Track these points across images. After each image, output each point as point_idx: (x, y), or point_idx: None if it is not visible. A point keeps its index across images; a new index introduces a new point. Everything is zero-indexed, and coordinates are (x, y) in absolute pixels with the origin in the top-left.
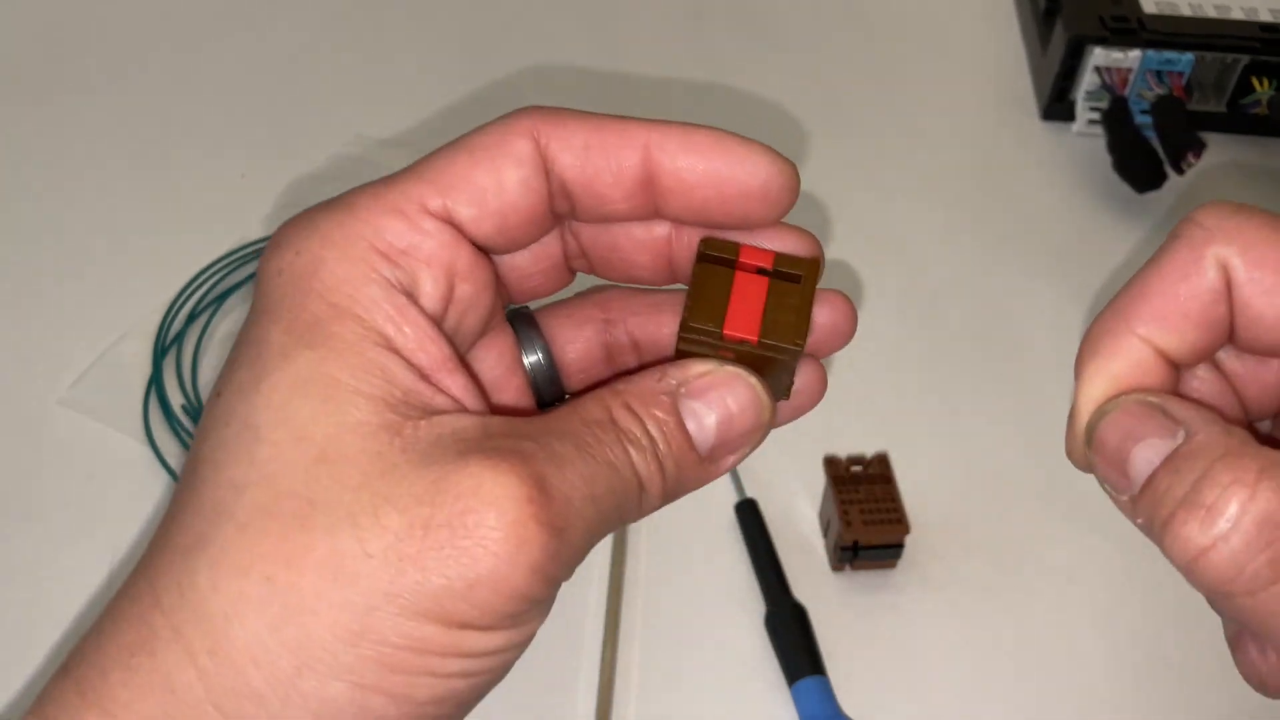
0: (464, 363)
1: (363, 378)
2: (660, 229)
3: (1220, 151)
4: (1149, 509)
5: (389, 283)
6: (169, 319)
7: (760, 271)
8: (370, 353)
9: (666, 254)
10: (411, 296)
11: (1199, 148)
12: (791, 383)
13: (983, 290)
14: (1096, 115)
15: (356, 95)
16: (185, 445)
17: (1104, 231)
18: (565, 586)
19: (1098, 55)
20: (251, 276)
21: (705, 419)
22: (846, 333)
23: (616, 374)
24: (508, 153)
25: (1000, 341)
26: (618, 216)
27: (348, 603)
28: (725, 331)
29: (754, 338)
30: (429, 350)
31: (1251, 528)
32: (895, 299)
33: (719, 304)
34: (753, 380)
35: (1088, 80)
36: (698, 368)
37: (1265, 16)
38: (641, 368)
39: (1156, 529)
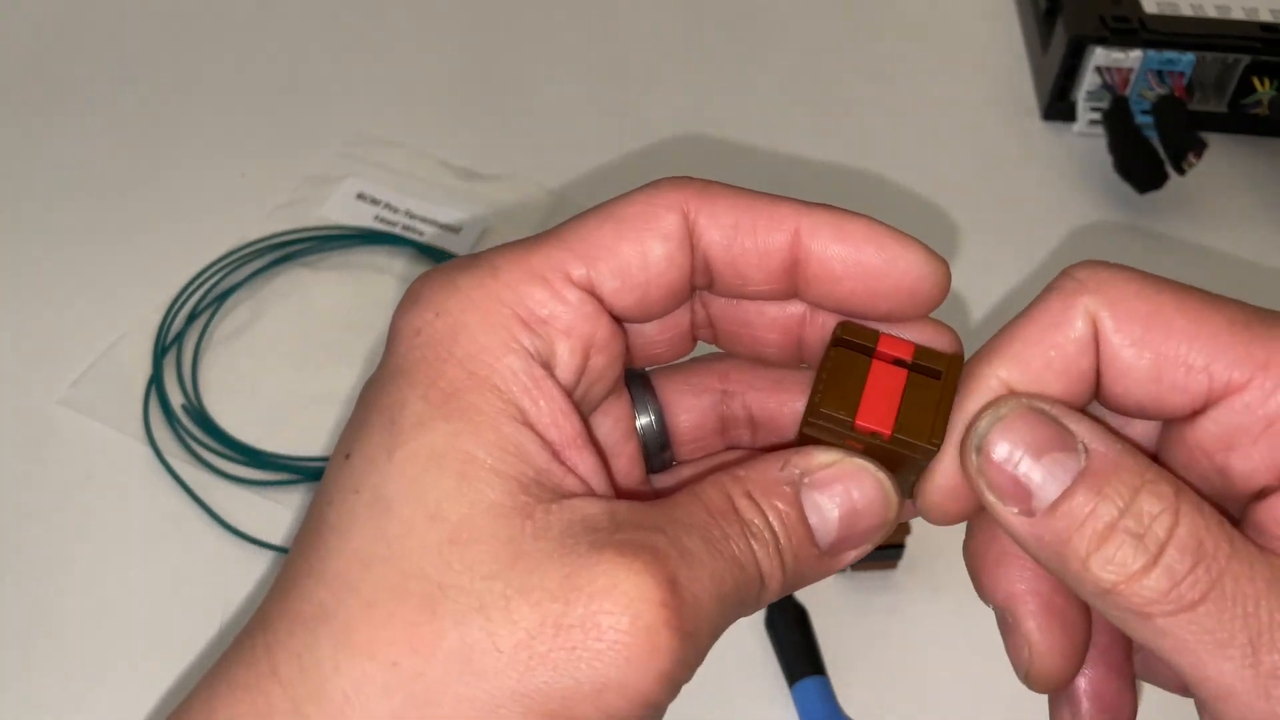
0: (592, 439)
1: (499, 455)
2: (795, 308)
3: (1221, 151)
4: (1059, 533)
5: (528, 353)
6: (169, 319)
7: (898, 363)
8: (506, 428)
9: (797, 334)
10: (548, 367)
11: (1200, 148)
12: (917, 480)
13: (983, 290)
14: (1097, 115)
15: (357, 94)
16: (186, 446)
17: (1105, 232)
18: None
19: (1099, 55)
20: (252, 276)
21: (828, 512)
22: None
23: (729, 447)
24: (655, 227)
25: None
26: (756, 296)
27: (474, 698)
28: (857, 421)
29: (887, 431)
30: (562, 426)
31: (1176, 560)
32: None
33: (853, 392)
34: (880, 475)
35: (1089, 80)
36: (822, 457)
37: (1266, 16)
38: (766, 448)
39: (1068, 558)
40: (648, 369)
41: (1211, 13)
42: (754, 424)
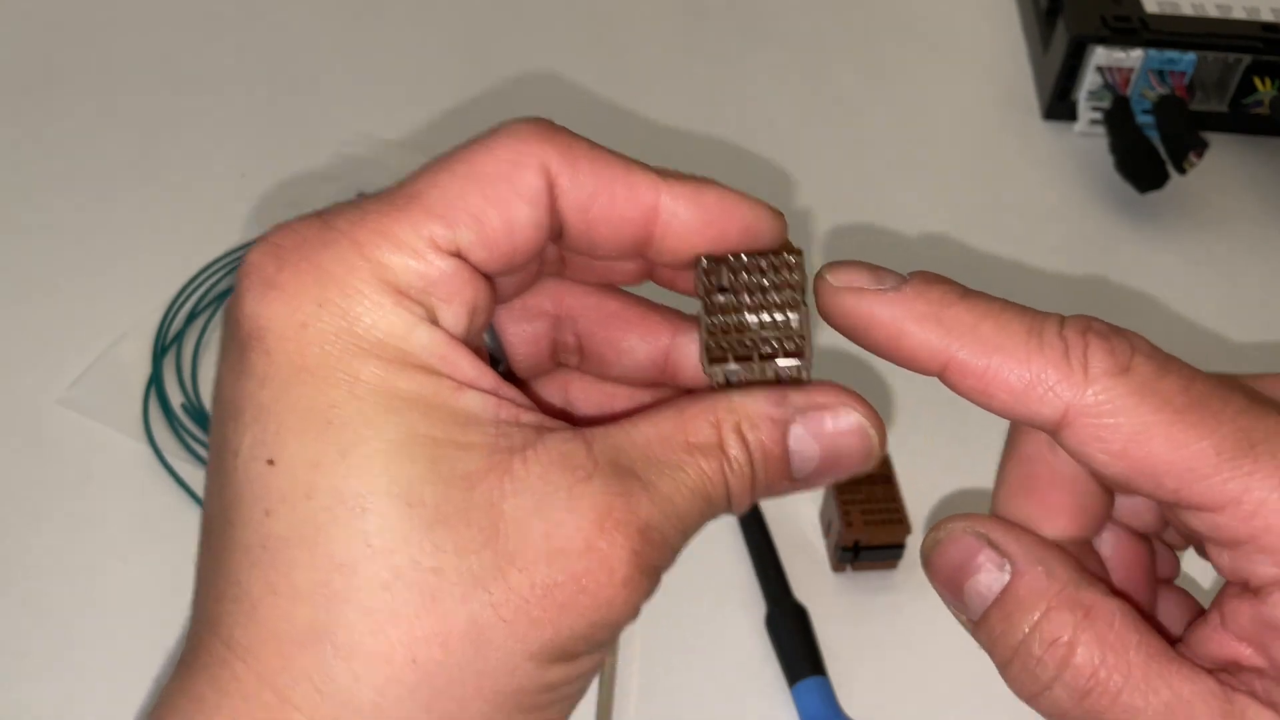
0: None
1: (456, 429)
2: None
3: (1222, 151)
4: (986, 642)
5: (427, 322)
6: (169, 319)
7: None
8: (450, 400)
9: (652, 266)
10: (445, 330)
11: (1201, 147)
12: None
13: (983, 289)
14: (1098, 115)
15: (357, 94)
16: (185, 445)
17: (1106, 231)
18: None
19: (1099, 55)
20: None
21: (810, 451)
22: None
23: (557, 365)
24: (520, 190)
25: None
26: (605, 258)
27: (494, 671)
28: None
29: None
30: (486, 375)
31: (1071, 682)
32: None
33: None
34: (871, 429)
35: (1090, 80)
36: (820, 398)
37: (1267, 16)
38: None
39: (996, 662)
40: None
41: (1212, 12)
42: (582, 352)
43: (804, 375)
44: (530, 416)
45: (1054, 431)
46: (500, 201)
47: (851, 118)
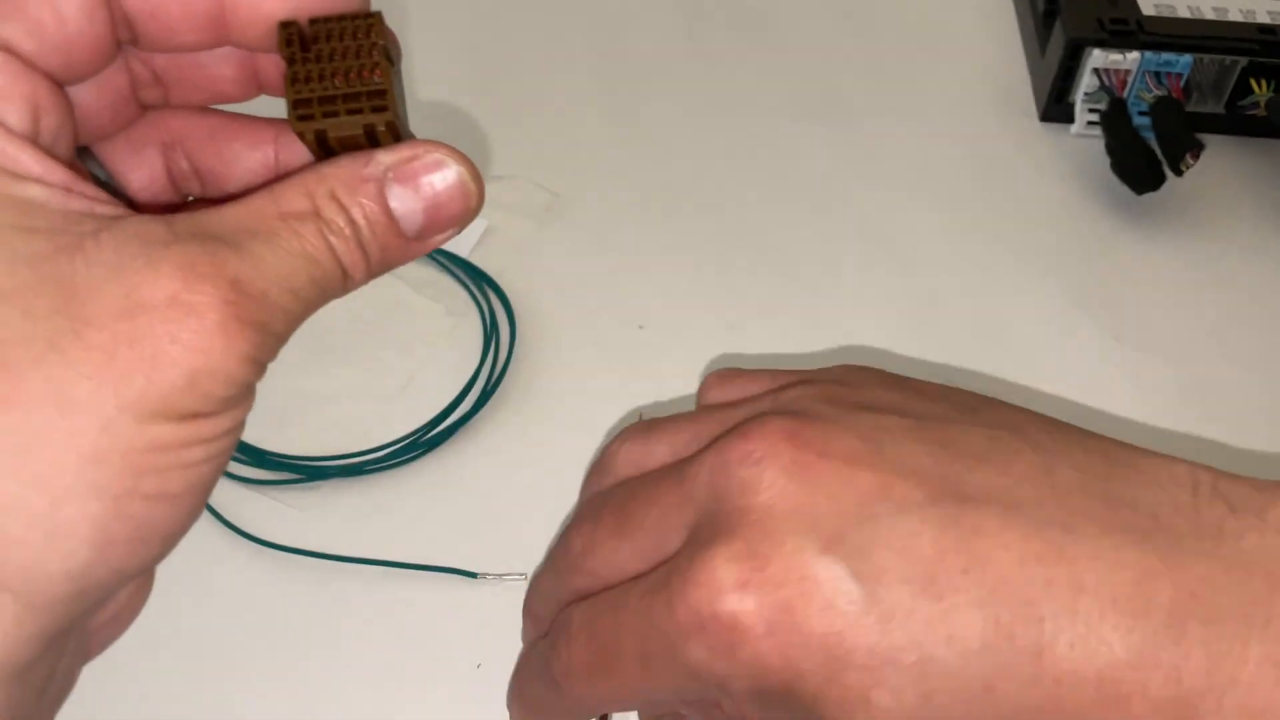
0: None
1: (14, 215)
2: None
3: (1218, 152)
4: None
5: None
6: None
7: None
8: (8, 189)
9: (253, 65)
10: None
11: (1197, 149)
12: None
13: (981, 291)
14: (1095, 117)
15: None
16: None
17: (1103, 233)
18: None
19: (1096, 57)
20: None
21: (412, 204)
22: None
23: (185, 198)
24: None
25: (999, 342)
26: (189, 48)
27: (83, 427)
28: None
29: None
30: (56, 171)
31: None
32: (894, 300)
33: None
34: (461, 167)
35: (1086, 82)
36: (405, 152)
37: (1263, 18)
38: (223, 198)
39: None
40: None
41: (1209, 14)
42: (200, 175)
43: (399, 130)
44: (108, 209)
45: None
46: None
47: (849, 118)
